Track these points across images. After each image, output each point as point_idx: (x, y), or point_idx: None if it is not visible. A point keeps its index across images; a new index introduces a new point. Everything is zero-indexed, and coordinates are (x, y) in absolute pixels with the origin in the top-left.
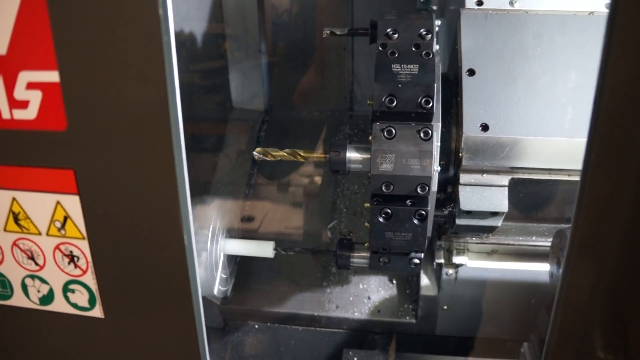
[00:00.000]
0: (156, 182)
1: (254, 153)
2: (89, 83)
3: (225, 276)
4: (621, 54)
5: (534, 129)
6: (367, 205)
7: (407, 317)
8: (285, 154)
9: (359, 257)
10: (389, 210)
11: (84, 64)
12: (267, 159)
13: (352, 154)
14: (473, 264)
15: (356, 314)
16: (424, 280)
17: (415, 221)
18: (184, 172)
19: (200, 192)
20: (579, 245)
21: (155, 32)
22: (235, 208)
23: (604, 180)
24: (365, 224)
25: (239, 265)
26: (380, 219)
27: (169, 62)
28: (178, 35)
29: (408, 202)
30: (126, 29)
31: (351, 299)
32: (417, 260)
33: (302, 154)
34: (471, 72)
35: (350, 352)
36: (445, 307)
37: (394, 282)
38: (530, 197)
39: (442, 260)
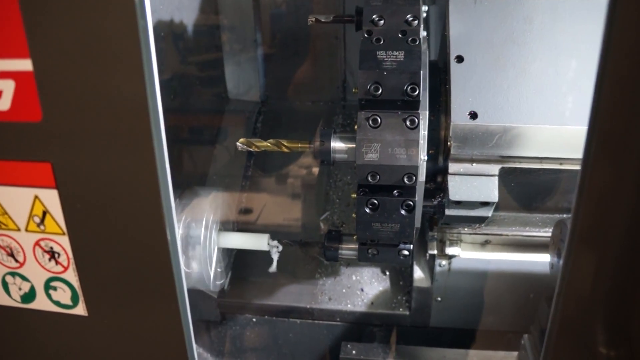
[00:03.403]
0: (137, 175)
1: (237, 144)
2: (63, 72)
3: (220, 269)
4: (623, 42)
5: (524, 117)
6: (353, 195)
7: (401, 309)
8: (269, 144)
9: (348, 249)
10: (375, 201)
11: (57, 51)
12: (251, 149)
13: (337, 144)
14: (466, 255)
15: (349, 306)
16: (417, 272)
17: (403, 212)
18: (165, 163)
19: (195, 184)
20: (580, 236)
21: (131, 16)
22: (231, 200)
23: (605, 170)
24: (353, 214)
25: (235, 258)
26: (367, 210)
27: (147, 48)
28: (172, 26)
29: (395, 192)
30: (100, 13)
31: (344, 291)
32: (406, 252)
33: (286, 144)
34: (459, 59)
35: (349, 345)
36: (439, 299)
37: (387, 273)
38: (522, 186)
39: (435, 252)
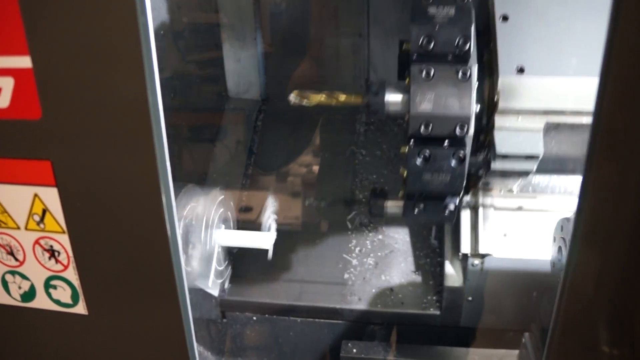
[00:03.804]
0: (137, 173)
1: (290, 97)
2: (62, 69)
3: (221, 268)
4: (628, 37)
5: (569, 70)
6: (403, 149)
7: (432, 309)
8: (322, 97)
9: (393, 206)
10: (427, 152)
11: (57, 48)
12: (304, 103)
13: (390, 95)
14: (500, 254)
15: (379, 306)
16: (449, 271)
17: (454, 162)
18: (166, 161)
19: (196, 182)
20: (583, 234)
21: (131, 13)
22: (231, 199)
23: (609, 167)
24: (401, 170)
25: (236, 256)
26: (418, 161)
27: (147, 45)
28: (171, 24)
29: (446, 143)
30: (100, 10)
31: (374, 291)
32: (452, 207)
33: (339, 97)
34: (504, 18)
35: (350, 344)
36: (470, 299)
37: (418, 273)
38: (561, 145)
39: (467, 251)
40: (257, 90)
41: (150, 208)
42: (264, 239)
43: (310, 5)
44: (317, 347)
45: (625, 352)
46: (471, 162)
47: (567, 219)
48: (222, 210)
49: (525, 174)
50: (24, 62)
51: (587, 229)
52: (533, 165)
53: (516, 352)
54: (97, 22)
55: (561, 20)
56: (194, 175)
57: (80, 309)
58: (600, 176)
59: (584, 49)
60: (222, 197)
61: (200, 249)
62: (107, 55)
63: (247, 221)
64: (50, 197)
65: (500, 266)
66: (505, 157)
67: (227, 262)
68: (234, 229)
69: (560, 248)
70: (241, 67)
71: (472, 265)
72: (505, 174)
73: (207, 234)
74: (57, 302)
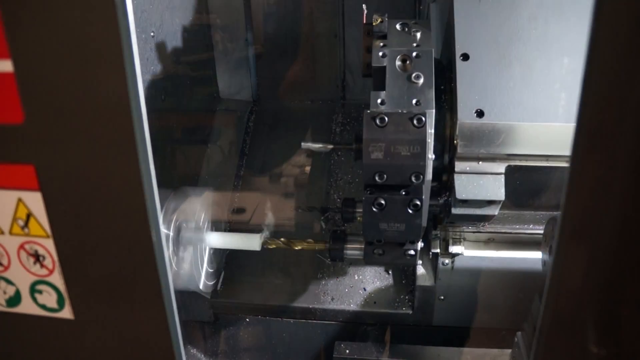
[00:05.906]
0: (121, 176)
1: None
2: (44, 73)
3: (212, 270)
4: (610, 37)
5: (530, 115)
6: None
7: (404, 308)
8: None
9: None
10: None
11: (38, 52)
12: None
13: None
14: (470, 253)
15: (352, 305)
16: (420, 271)
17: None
18: (150, 164)
19: (187, 184)
20: (569, 233)
21: (112, 16)
22: (223, 200)
23: (593, 165)
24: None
25: (227, 258)
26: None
27: (128, 48)
28: (162, 26)
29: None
30: (82, 13)
31: (347, 290)
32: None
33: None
34: (465, 57)
35: (343, 345)
36: (442, 298)
37: (390, 272)
38: (527, 184)
39: (438, 250)
40: (249, 91)
41: (134, 211)
42: (253, 241)
43: (301, 6)
44: (311, 348)
45: (613, 350)
46: (435, 204)
47: (557, 218)
48: (213, 211)
49: (487, 218)
50: (5, 66)
51: (573, 227)
52: (495, 210)
53: (509, 351)
54: (78, 25)
55: (523, 60)
56: (185, 177)
57: (67, 313)
58: (585, 174)
59: (545, 92)
60: (214, 198)
61: (190, 251)
62: (89, 58)
63: (239, 222)
64: (34, 201)
65: (471, 265)
66: (465, 201)
67: (218, 264)
68: (225, 230)
69: (551, 247)
70: (232, 68)
71: (443, 264)
72: (467, 219)
73: (197, 236)
74: (43, 307)
